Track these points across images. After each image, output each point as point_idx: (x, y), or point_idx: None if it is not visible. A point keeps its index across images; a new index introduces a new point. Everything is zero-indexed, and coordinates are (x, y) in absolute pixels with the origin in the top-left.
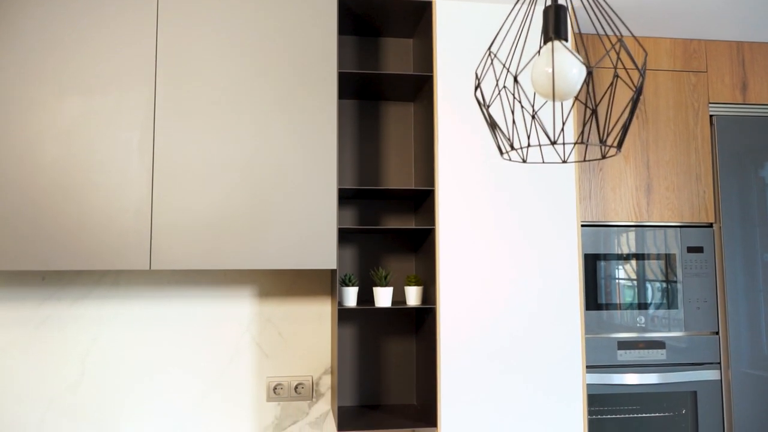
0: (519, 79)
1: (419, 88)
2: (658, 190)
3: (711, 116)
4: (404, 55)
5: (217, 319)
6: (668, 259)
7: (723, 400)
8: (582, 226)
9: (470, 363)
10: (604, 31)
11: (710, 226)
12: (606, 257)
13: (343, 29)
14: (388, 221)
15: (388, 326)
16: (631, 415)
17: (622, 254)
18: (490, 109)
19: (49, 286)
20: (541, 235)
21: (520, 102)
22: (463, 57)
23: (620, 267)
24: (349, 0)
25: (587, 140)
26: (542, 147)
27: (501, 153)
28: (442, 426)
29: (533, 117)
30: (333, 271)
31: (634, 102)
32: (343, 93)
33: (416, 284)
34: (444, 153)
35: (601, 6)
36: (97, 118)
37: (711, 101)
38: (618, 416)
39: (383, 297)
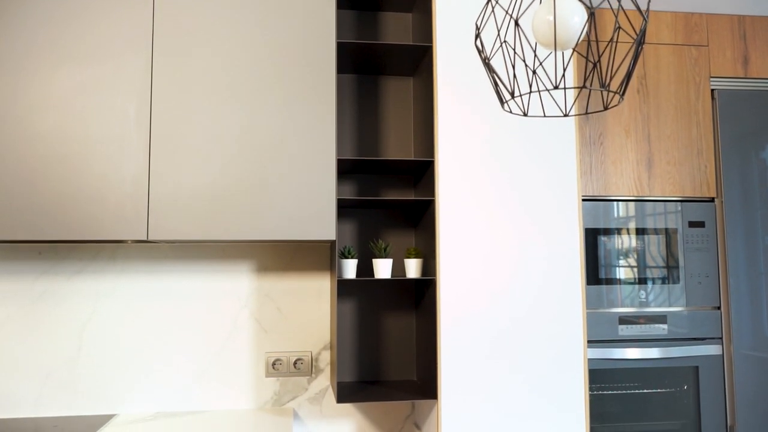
0: (519, 28)
1: (418, 61)
2: (659, 165)
3: (712, 90)
4: (403, 29)
5: (216, 294)
6: (669, 234)
7: (725, 375)
8: (583, 200)
9: (471, 335)
10: None
11: (712, 200)
12: (607, 232)
13: (342, 3)
14: (388, 196)
15: (388, 301)
16: (633, 391)
17: (623, 229)
18: (493, 63)
19: (46, 260)
20: (542, 208)
21: (522, 53)
22: (462, 28)
23: (621, 241)
24: None
25: (590, 85)
26: (543, 101)
27: (502, 104)
28: (442, 398)
29: (534, 71)
30: (332, 246)
31: (637, 47)
32: (342, 67)
33: (416, 257)
34: (444, 124)
35: None
36: (93, 88)
37: (712, 75)
38: (620, 392)
39: (383, 268)
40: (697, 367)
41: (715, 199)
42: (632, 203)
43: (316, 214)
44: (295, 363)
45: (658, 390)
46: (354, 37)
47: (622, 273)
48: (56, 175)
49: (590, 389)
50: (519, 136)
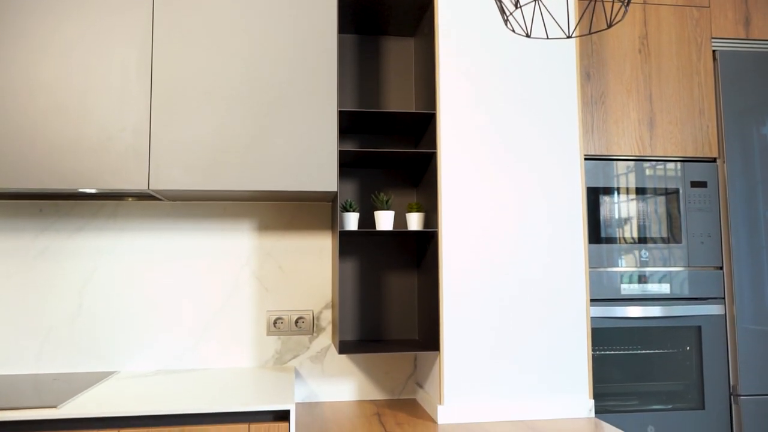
0: None
1: (419, 19)
2: (660, 124)
3: (714, 51)
4: None
5: (217, 253)
6: (671, 194)
7: (728, 335)
8: (586, 159)
9: (472, 287)
10: None
11: (714, 161)
12: (608, 191)
13: None
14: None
15: (390, 260)
16: (635, 352)
17: (624, 188)
18: None
19: (47, 217)
20: (544, 166)
21: None
22: None
23: (623, 201)
24: None
25: None
26: (547, 24)
27: (504, 21)
28: (444, 350)
29: None
30: (333, 204)
31: None
32: (343, 27)
33: (418, 211)
34: (445, 77)
35: None
36: (94, 39)
37: (714, 36)
38: (623, 352)
39: (384, 220)
40: (699, 327)
41: (717, 160)
42: (634, 162)
43: (318, 166)
44: (296, 322)
45: (661, 351)
46: None
47: (623, 232)
48: (57, 125)
49: (594, 349)
50: (520, 93)
